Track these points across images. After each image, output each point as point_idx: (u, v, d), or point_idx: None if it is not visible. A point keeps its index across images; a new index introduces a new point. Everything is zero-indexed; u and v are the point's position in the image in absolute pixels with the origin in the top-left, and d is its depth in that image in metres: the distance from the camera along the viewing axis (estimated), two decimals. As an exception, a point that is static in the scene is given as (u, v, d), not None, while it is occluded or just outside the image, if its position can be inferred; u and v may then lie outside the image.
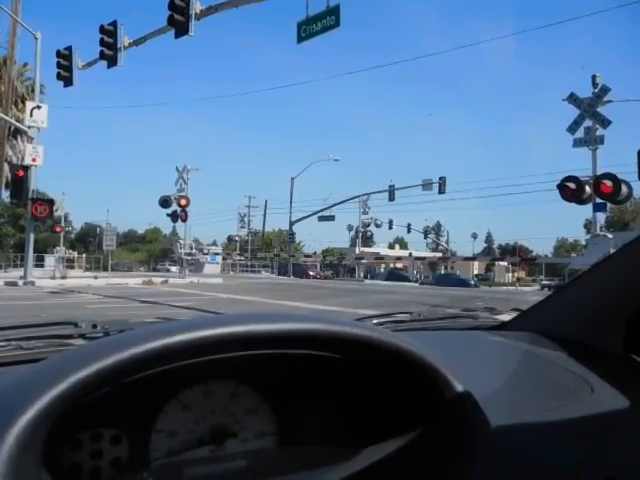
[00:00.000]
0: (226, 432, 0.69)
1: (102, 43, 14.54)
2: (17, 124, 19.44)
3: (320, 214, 38.92)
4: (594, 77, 14.31)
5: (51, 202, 18.08)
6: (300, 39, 12.03)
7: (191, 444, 0.67)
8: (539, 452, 0.69)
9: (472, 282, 38.17)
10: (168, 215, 23.82)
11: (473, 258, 42.71)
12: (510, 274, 43.82)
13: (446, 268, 45.73)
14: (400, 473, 0.68)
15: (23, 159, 18.00)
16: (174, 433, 0.67)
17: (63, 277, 19.52)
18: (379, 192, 38.26)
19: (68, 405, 0.53)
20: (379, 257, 42.57)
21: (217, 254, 43.13)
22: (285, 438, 0.73)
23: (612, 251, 1.12)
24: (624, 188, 12.63)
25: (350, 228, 52.51)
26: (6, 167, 23.88)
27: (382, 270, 46.24)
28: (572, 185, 13.58)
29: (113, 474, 0.64)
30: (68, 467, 0.62)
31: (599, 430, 0.76)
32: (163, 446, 0.66)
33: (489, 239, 74.49)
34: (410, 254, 44.63)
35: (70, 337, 0.90)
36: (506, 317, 1.31)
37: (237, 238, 51.60)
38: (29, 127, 17.32)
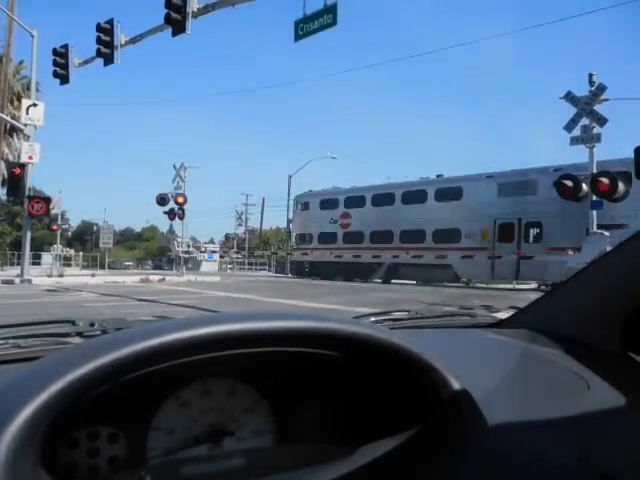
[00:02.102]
0: (224, 430, 0.69)
1: (99, 41, 14.50)
2: (13, 122, 19.36)
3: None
4: (590, 75, 14.32)
5: (48, 200, 18.02)
6: (297, 37, 12.02)
7: (188, 442, 0.66)
8: (536, 450, 0.70)
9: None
10: (165, 213, 23.78)
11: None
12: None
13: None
14: (398, 471, 0.68)
15: (19, 157, 17.93)
16: (171, 431, 0.67)
17: (60, 275, 19.47)
18: (377, 189, 38.18)
19: (65, 403, 0.53)
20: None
21: (214, 252, 43.09)
22: (283, 436, 0.73)
23: (609, 249, 1.12)
24: (621, 186, 12.67)
25: (348, 226, 52.39)
26: (2, 165, 23.81)
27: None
28: (569, 183, 13.63)
29: (110, 472, 0.64)
30: (65, 465, 0.61)
31: (596, 428, 0.76)
32: (160, 444, 0.66)
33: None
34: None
35: (67, 335, 0.90)
36: (503, 315, 1.31)
37: (234, 236, 51.61)
38: (25, 125, 17.24)
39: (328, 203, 25.36)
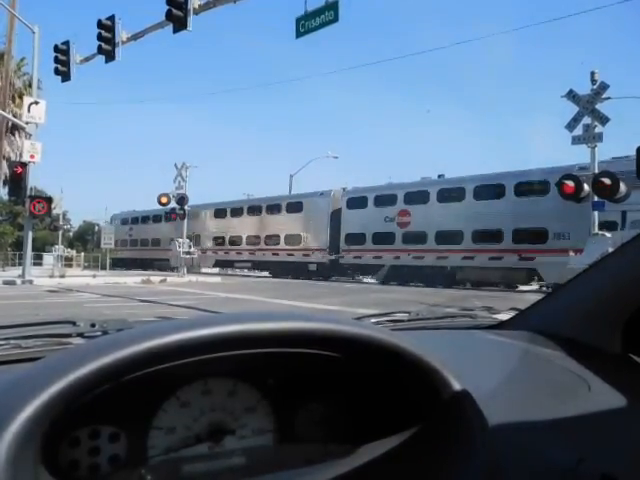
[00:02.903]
0: (224, 429, 0.69)
1: (100, 38, 14.48)
2: (15, 120, 19.36)
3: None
4: (593, 74, 14.21)
5: (49, 199, 17.98)
6: (299, 34, 12.01)
7: (189, 441, 0.67)
8: (536, 450, 0.70)
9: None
10: (167, 213, 23.79)
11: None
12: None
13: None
14: (398, 471, 0.69)
15: (21, 156, 17.90)
16: (172, 430, 0.67)
17: (61, 276, 19.45)
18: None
19: (66, 403, 0.53)
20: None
21: (215, 253, 43.67)
22: (284, 435, 0.73)
23: (610, 250, 1.12)
24: (623, 186, 12.62)
25: (348, 225, 52.51)
26: (4, 164, 23.81)
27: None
28: (570, 183, 13.57)
29: (111, 471, 0.64)
30: (66, 464, 0.62)
31: (596, 429, 0.76)
32: (161, 443, 0.66)
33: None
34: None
35: (68, 336, 0.90)
36: (504, 316, 1.31)
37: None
38: (27, 123, 17.20)
39: (125, 220, 40.32)
